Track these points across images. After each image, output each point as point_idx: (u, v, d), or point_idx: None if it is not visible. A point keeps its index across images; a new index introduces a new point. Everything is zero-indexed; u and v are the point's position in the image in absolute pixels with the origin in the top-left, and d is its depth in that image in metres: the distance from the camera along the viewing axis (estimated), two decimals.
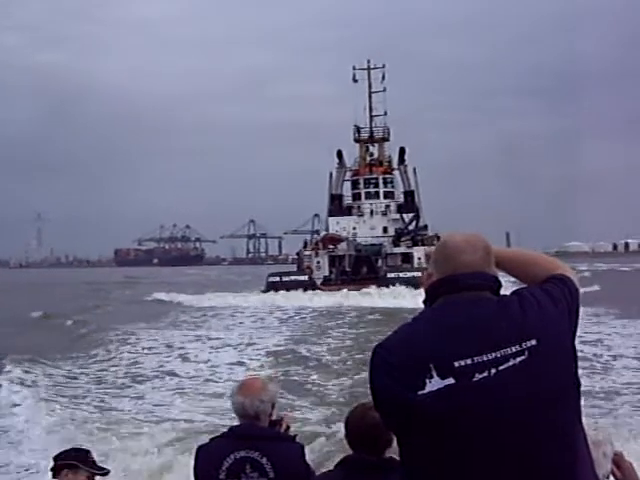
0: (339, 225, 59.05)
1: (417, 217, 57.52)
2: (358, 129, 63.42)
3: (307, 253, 56.73)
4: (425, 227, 57.37)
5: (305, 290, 49.43)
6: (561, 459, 2.02)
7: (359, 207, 60.35)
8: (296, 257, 62.85)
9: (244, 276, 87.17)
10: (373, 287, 49.15)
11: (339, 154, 62.86)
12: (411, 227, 56.93)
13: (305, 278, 52.42)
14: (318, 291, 49.69)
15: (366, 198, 60.50)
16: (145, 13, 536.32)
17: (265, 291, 51.58)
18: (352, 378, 16.67)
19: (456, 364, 2.01)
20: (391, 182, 61.87)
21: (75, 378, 18.65)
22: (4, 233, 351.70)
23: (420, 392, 2.00)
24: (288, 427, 3.84)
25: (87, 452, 4.41)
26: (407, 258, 55.21)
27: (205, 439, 3.96)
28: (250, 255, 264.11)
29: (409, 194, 61.34)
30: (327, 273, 54.18)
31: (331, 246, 56.07)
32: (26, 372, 18.25)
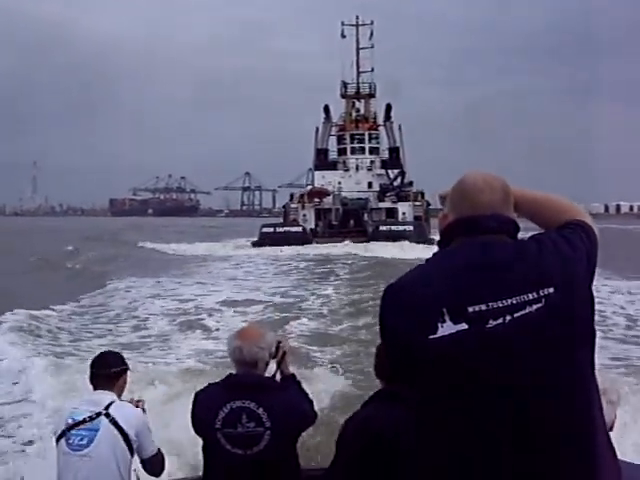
0: (324, 179, 59.72)
1: (402, 173, 58.49)
2: (345, 85, 63.87)
3: (293, 206, 57.72)
4: (410, 183, 58.30)
5: (302, 244, 49.45)
6: (577, 407, 1.96)
7: (344, 162, 61.02)
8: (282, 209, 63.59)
9: (240, 227, 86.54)
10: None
11: (326, 109, 63.33)
12: (396, 183, 57.95)
13: (299, 229, 52.99)
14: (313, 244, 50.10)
15: (352, 153, 61.25)
16: None
17: (258, 243, 52.19)
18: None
19: (470, 309, 1.95)
20: (376, 138, 62.56)
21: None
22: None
23: (431, 336, 1.95)
24: (284, 353, 3.83)
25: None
26: (392, 213, 56.49)
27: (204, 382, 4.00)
28: (244, 207, 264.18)
29: (394, 150, 62.00)
30: (313, 226, 55.11)
31: (317, 199, 57.07)
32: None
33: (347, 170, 60.33)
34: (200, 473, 3.90)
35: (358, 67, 64.08)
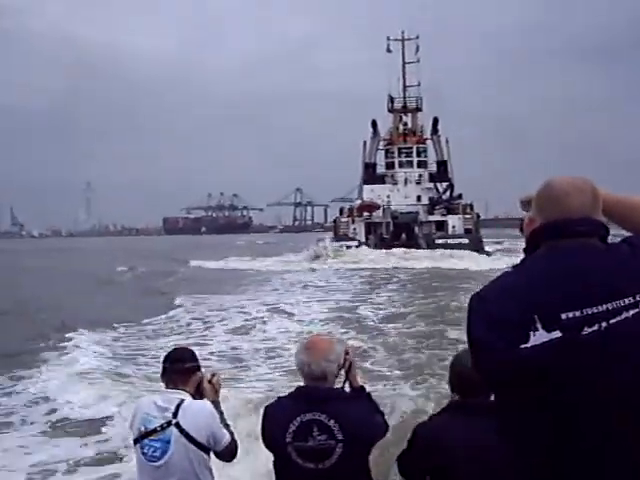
0: (373, 193, 59.94)
1: (451, 186, 58.54)
2: (392, 99, 64.32)
3: (344, 220, 58.09)
4: (459, 196, 58.27)
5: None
6: None
7: (393, 176, 61.17)
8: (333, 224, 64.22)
9: (293, 242, 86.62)
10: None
11: (373, 123, 63.71)
12: (445, 196, 58.03)
13: (355, 244, 53.42)
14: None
15: (400, 167, 61.37)
16: None
17: (315, 257, 52.55)
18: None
19: (563, 316, 1.86)
20: (424, 151, 62.61)
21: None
22: (54, 202, 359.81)
23: (523, 345, 1.87)
24: (351, 364, 3.79)
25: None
26: (442, 226, 56.44)
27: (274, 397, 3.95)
28: (296, 223, 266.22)
29: (442, 164, 62.08)
30: (364, 240, 55.30)
31: (367, 213, 57.39)
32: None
33: (395, 184, 60.45)
34: None
35: (405, 81, 64.56)
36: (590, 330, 1.85)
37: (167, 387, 4.27)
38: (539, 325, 1.88)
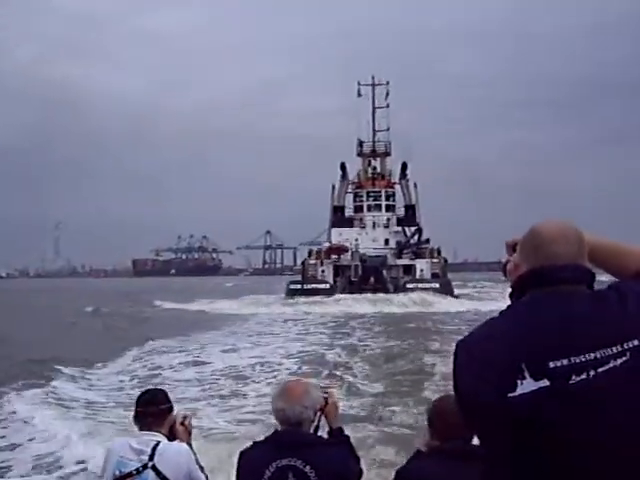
0: (342, 236, 60.21)
1: (419, 230, 58.98)
2: (361, 143, 65.24)
3: (312, 262, 58.18)
4: (427, 241, 58.74)
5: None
6: None
7: (361, 219, 61.67)
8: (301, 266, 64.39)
9: (264, 285, 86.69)
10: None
11: (342, 166, 64.35)
12: (413, 240, 58.41)
13: (326, 286, 53.71)
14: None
15: (368, 210, 61.94)
16: (158, 25, 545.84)
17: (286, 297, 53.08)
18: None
19: (551, 364, 1.84)
20: (393, 196, 63.41)
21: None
22: (21, 242, 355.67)
23: (510, 394, 1.84)
24: (327, 404, 3.77)
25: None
26: (409, 270, 56.87)
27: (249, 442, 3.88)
28: (266, 266, 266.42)
29: (410, 208, 62.80)
30: (332, 282, 55.44)
31: (335, 256, 57.49)
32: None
33: (364, 227, 60.87)
34: None
35: (374, 126, 65.64)
36: (578, 379, 1.83)
37: (141, 430, 4.16)
38: (527, 374, 1.85)
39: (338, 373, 17.91)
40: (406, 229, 59.46)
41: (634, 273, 2.11)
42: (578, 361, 1.84)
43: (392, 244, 59.24)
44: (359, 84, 65.57)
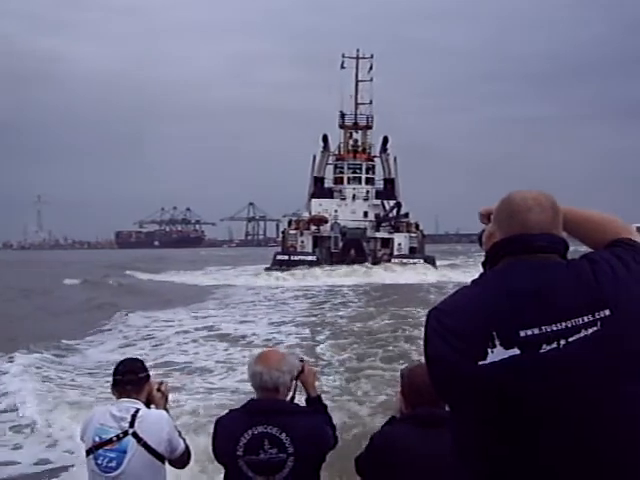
0: (321, 207, 60.43)
1: (398, 205, 59.48)
2: (343, 115, 65.10)
3: (292, 232, 58.42)
4: (406, 215, 59.25)
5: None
6: (631, 438, 1.85)
7: (341, 191, 61.82)
8: (281, 236, 64.74)
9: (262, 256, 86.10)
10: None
11: (324, 138, 64.34)
12: (392, 214, 58.96)
13: (313, 258, 54.35)
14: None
15: (348, 182, 62.06)
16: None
17: (271, 269, 53.48)
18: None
19: (522, 333, 1.85)
20: (372, 169, 63.52)
21: None
22: (3, 216, 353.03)
23: (481, 362, 1.85)
24: (303, 370, 3.80)
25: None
26: (387, 243, 57.61)
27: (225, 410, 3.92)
28: (249, 237, 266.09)
29: (389, 182, 63.14)
30: (317, 254, 55.96)
31: (315, 227, 57.89)
32: None
33: (344, 199, 61.09)
34: None
35: (357, 99, 65.40)
36: (549, 348, 1.84)
37: (119, 398, 4.21)
38: (497, 342, 1.86)
39: (318, 345, 18.08)
40: (385, 202, 59.82)
41: (609, 243, 2.10)
42: (549, 330, 1.85)
43: (371, 217, 59.66)
44: (343, 56, 65.45)
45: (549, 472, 1.86)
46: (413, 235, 57.81)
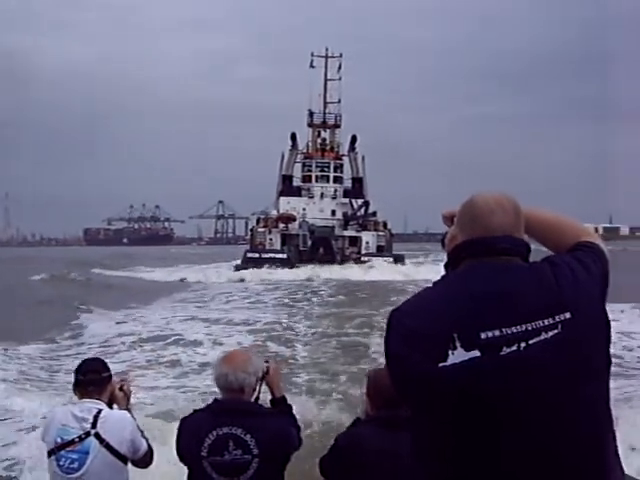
0: (289, 205, 60.52)
1: (366, 203, 59.84)
2: (311, 114, 65.27)
3: (260, 230, 58.41)
4: (374, 213, 59.60)
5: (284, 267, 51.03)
6: (592, 441, 1.88)
7: (309, 189, 62.04)
8: (249, 234, 64.78)
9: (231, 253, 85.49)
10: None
11: (293, 136, 64.41)
12: (360, 213, 59.31)
13: (284, 256, 54.12)
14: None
15: (316, 181, 62.24)
16: None
17: (242, 267, 53.29)
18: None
19: (482, 335, 1.86)
20: (341, 167, 63.76)
21: None
22: None
23: (441, 364, 1.85)
24: (269, 371, 3.80)
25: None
26: (355, 241, 57.94)
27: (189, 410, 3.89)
28: (218, 235, 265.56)
29: (357, 180, 63.45)
30: (287, 252, 55.72)
31: (283, 225, 58.02)
32: None
33: (312, 197, 61.28)
34: None
35: (325, 98, 65.54)
36: (509, 350, 1.85)
37: (82, 398, 4.16)
38: (458, 344, 1.86)
39: (283, 345, 18.13)
40: (353, 201, 60.10)
41: (571, 247, 2.11)
42: (510, 332, 1.85)
43: (339, 215, 59.93)
44: (312, 55, 65.56)
45: (510, 476, 1.85)
46: (381, 234, 58.24)
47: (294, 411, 3.93)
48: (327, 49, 66.24)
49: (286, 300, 31.91)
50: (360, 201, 60.10)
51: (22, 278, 45.10)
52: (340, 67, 65.41)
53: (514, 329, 1.87)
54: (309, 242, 57.09)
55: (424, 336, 1.92)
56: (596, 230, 2.32)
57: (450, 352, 1.87)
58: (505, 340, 1.86)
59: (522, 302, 1.90)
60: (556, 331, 1.87)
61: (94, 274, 53.91)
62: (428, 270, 43.49)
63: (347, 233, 58.83)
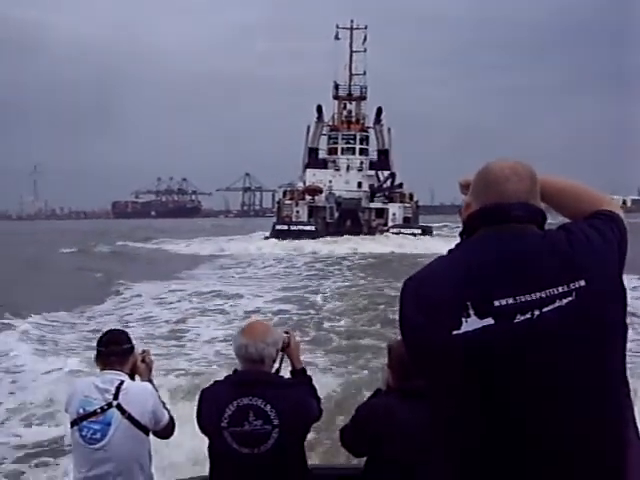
0: (315, 177, 60.63)
1: (393, 175, 59.79)
2: (337, 86, 65.02)
3: (287, 202, 58.95)
4: (400, 185, 59.61)
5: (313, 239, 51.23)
6: (607, 409, 1.85)
7: (335, 161, 61.95)
8: (276, 206, 65.19)
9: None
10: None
11: (319, 109, 64.34)
12: (386, 185, 59.31)
13: (312, 228, 54.56)
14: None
15: (342, 153, 62.21)
16: None
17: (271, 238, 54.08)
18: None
19: (496, 303, 1.83)
20: (366, 139, 63.66)
21: None
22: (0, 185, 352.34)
23: (455, 332, 1.84)
24: (290, 344, 3.84)
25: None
26: (382, 213, 58.09)
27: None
28: (245, 208, 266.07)
29: (383, 152, 63.20)
30: (315, 225, 56.20)
31: (310, 197, 58.31)
32: None
33: (338, 169, 61.20)
34: (206, 472, 3.82)
35: (351, 70, 65.23)
36: (523, 318, 1.83)
37: (103, 370, 4.19)
38: (472, 311, 1.84)
39: (310, 318, 18.17)
40: (379, 173, 60.09)
41: (589, 215, 2.08)
42: (524, 300, 1.83)
43: (365, 187, 59.91)
44: (337, 27, 65.07)
45: (520, 444, 1.84)
46: (407, 205, 58.33)
47: (314, 382, 3.94)
48: (352, 21, 65.89)
49: (315, 271, 32.45)
50: (386, 173, 60.07)
51: (54, 251, 46.19)
52: (365, 39, 65.07)
53: (528, 297, 1.84)
54: (336, 214, 57.35)
55: (437, 304, 1.90)
56: (624, 202, 2.30)
57: (464, 320, 1.85)
58: (519, 308, 1.84)
59: (536, 270, 1.88)
60: (570, 298, 1.85)
61: (135, 247, 55.01)
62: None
63: (373, 205, 58.92)
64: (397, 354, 3.42)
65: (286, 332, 3.94)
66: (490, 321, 1.84)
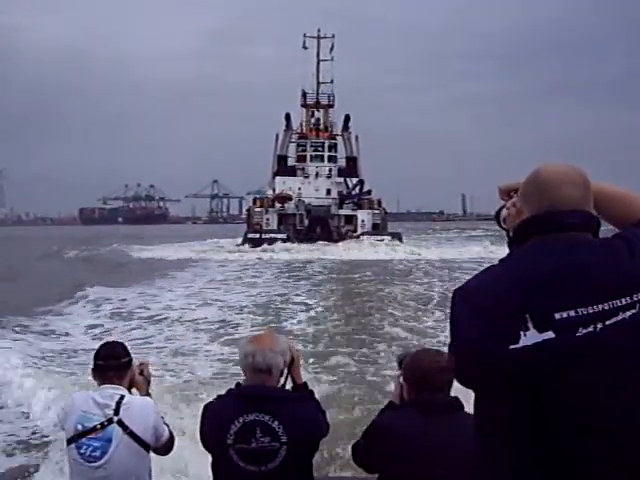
0: (285, 185, 60.93)
1: (361, 182, 60.35)
2: (305, 94, 65.57)
3: (257, 210, 58.94)
4: (369, 192, 60.12)
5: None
6: None
7: (304, 169, 62.38)
8: (246, 214, 65.25)
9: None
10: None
11: (287, 117, 64.85)
12: (355, 192, 59.83)
13: (284, 236, 54.71)
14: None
15: (311, 160, 62.72)
16: None
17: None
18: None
19: (557, 315, 1.74)
20: (335, 147, 64.23)
21: None
22: None
23: (512, 346, 1.74)
24: (294, 359, 3.63)
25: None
26: (351, 220, 58.49)
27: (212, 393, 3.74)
28: (213, 214, 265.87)
29: (351, 159, 63.78)
30: (286, 232, 56.25)
31: (279, 204, 58.43)
32: None
33: (307, 177, 61.60)
34: None
35: (318, 78, 65.78)
36: (585, 331, 1.74)
37: (102, 384, 4.03)
38: (530, 325, 1.75)
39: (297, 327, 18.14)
40: (348, 180, 60.57)
41: (637, 222, 2.01)
42: (586, 312, 1.75)
43: (334, 194, 60.34)
44: (305, 36, 65.69)
45: (578, 460, 1.76)
46: (376, 212, 58.87)
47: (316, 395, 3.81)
48: (319, 30, 66.44)
49: (287, 278, 32.54)
50: (355, 180, 60.57)
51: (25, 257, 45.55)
52: (332, 48, 65.66)
53: (590, 309, 1.75)
54: (306, 221, 57.59)
55: (493, 316, 1.80)
56: None
57: (522, 333, 1.76)
58: (581, 321, 1.75)
59: (597, 280, 1.79)
60: (634, 311, 1.76)
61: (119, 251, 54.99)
62: (426, 251, 44.87)
63: (343, 212, 59.24)
64: (415, 366, 3.31)
65: (289, 347, 3.75)
66: (551, 334, 1.75)
